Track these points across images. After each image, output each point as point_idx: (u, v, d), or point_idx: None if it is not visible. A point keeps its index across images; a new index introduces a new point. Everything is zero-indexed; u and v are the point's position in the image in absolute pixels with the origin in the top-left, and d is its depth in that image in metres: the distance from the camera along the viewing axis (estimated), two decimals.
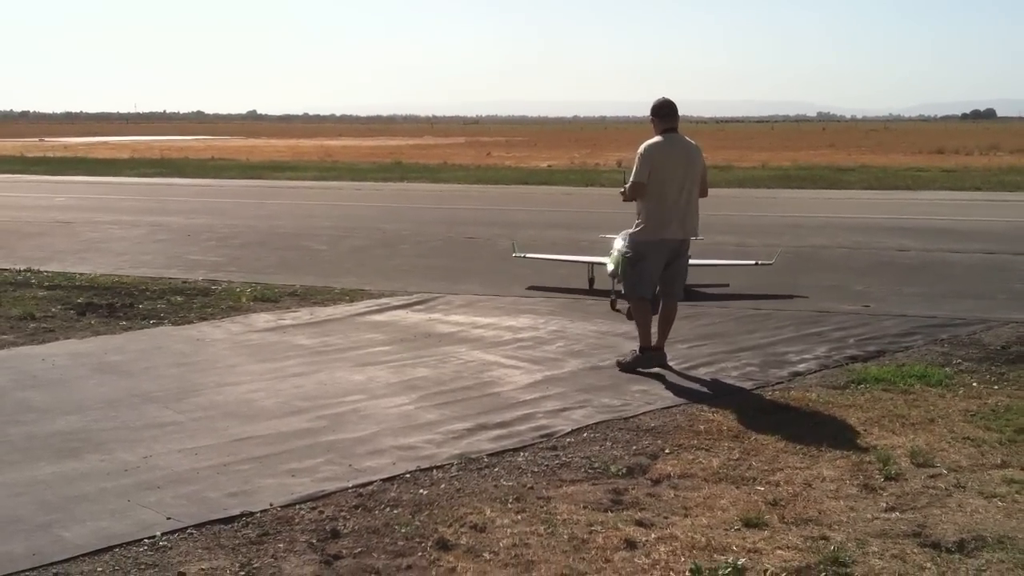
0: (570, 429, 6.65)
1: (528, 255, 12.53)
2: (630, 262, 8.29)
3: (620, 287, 9.87)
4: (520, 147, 66.83)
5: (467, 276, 13.47)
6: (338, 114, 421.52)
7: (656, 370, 8.21)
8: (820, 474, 5.74)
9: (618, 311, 10.18)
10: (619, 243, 10.55)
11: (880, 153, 50.45)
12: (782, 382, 7.86)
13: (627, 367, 8.18)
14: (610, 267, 10.50)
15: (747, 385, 7.75)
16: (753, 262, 11.47)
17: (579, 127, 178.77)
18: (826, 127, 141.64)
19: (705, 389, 7.67)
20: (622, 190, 8.33)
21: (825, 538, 4.81)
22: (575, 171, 38.67)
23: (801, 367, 8.37)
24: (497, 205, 25.34)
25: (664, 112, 8.20)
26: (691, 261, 11.12)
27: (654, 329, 8.28)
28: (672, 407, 7.19)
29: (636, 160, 8.07)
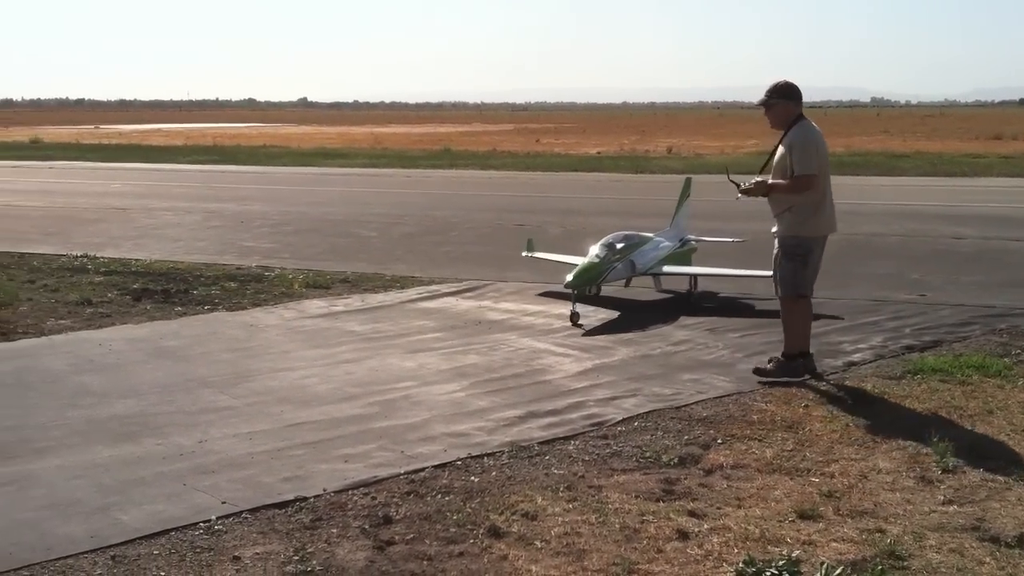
0: (621, 418, 6.63)
1: (537, 255, 11.81)
2: (798, 259, 7.42)
3: (577, 304, 9.59)
4: (569, 134, 66.63)
5: (517, 264, 13.43)
6: (387, 101, 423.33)
7: (711, 358, 8.17)
8: (876, 466, 5.66)
9: (579, 326, 9.37)
10: (596, 250, 10.18)
11: (936, 139, 49.63)
12: (836, 372, 7.77)
13: (774, 373, 7.47)
14: (569, 278, 9.73)
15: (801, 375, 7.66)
16: (769, 273, 10.45)
17: (628, 113, 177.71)
18: (880, 112, 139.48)
19: (758, 379, 7.59)
20: (748, 187, 7.51)
21: (881, 531, 4.74)
22: (625, 158, 38.47)
23: (856, 357, 8.26)
24: (546, 192, 25.29)
25: (799, 95, 7.57)
26: (704, 271, 10.89)
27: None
28: (724, 397, 7.13)
29: (798, 150, 7.31)
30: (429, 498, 5.27)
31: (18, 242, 15.65)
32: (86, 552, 4.60)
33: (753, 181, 7.56)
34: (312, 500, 5.23)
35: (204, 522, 4.92)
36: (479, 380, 7.64)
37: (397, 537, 4.76)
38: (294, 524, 4.94)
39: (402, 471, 5.65)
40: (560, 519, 4.94)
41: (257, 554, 4.59)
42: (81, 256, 13.94)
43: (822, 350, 8.46)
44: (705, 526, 4.82)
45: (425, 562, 4.49)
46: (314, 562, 4.49)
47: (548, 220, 18.28)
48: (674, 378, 7.63)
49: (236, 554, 4.58)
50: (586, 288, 10.06)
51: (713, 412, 6.75)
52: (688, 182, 12.29)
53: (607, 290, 10.76)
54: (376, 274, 12.58)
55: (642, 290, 11.01)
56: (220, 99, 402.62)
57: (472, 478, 5.56)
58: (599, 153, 42.27)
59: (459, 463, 5.80)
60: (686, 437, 6.23)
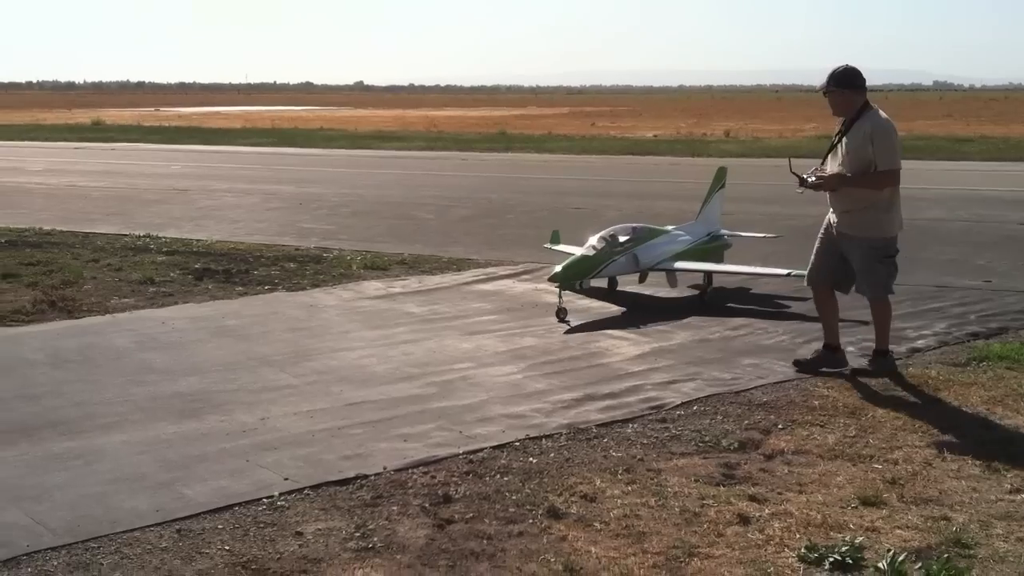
0: (680, 402, 6.59)
1: (559, 247, 11.01)
2: (890, 261, 7.14)
3: (565, 297, 9.10)
4: (625, 117, 66.29)
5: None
6: (443, 84, 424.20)
7: (771, 343, 8.10)
8: (940, 453, 5.57)
9: (565, 322, 8.89)
10: (594, 242, 9.54)
11: (1001, 123, 48.54)
12: (900, 358, 7.63)
13: (880, 372, 7.15)
14: (556, 270, 9.25)
15: (863, 361, 7.55)
16: (785, 272, 9.17)
17: (685, 96, 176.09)
18: (943, 96, 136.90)
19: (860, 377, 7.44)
20: (816, 180, 7.16)
21: (947, 519, 4.67)
22: (681, 141, 38.16)
23: (920, 343, 8.13)
24: (602, 175, 25.19)
25: (863, 82, 7.11)
26: (716, 267, 10.09)
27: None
28: (785, 382, 7.06)
29: (882, 142, 6.92)
30: (488, 478, 5.29)
31: (82, 222, 15.94)
32: (152, 525, 4.68)
33: (819, 173, 7.20)
34: (372, 478, 5.28)
35: (267, 498, 4.99)
36: (536, 362, 7.64)
37: (457, 516, 4.78)
38: (355, 501, 4.99)
39: (461, 451, 5.67)
40: (619, 501, 4.93)
41: (319, 530, 4.64)
42: (143, 236, 14.17)
43: None
44: (766, 511, 4.79)
45: (485, 541, 4.51)
46: (375, 539, 4.53)
47: (605, 203, 18.19)
48: (733, 362, 7.57)
49: (299, 530, 4.64)
50: (576, 283, 9.48)
51: (773, 397, 6.69)
52: (721, 172, 11.31)
53: (655, 278, 10.34)
54: (433, 256, 12.63)
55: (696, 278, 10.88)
56: (278, 82, 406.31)
57: (530, 459, 5.57)
58: (655, 136, 41.99)
59: (517, 444, 5.81)
60: (746, 422, 6.18)
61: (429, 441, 5.84)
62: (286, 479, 5.23)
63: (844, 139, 7.11)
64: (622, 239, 9.72)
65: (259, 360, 7.64)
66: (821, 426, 6.07)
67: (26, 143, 40.19)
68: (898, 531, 4.56)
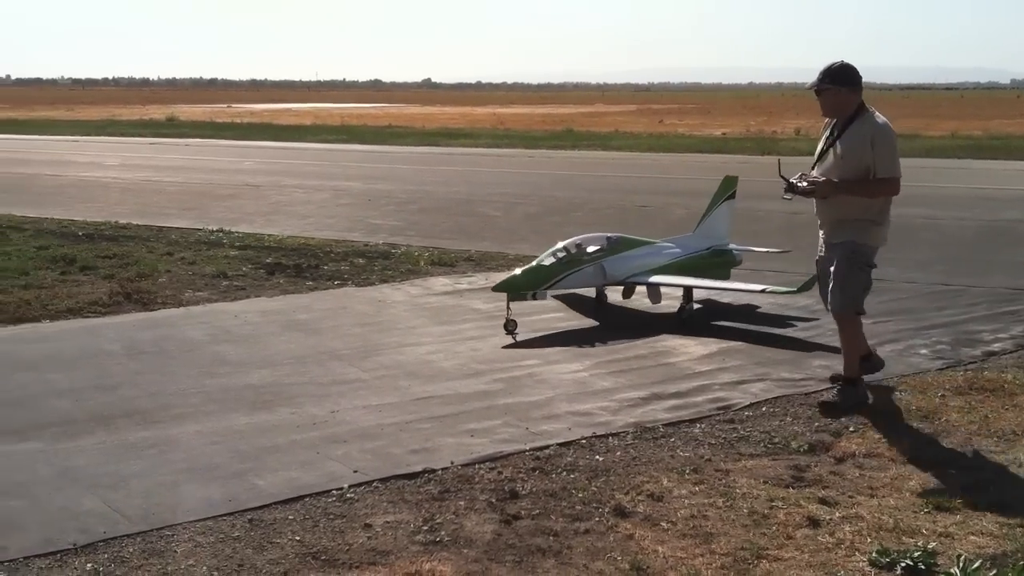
0: (748, 403, 6.54)
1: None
2: (867, 271, 6.50)
3: (512, 307, 8.40)
4: (693, 114, 65.79)
5: None
6: (509, 82, 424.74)
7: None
8: (1017, 459, 5.45)
9: (513, 335, 8.34)
10: (557, 250, 8.89)
11: None
12: (975, 362, 7.50)
13: (842, 405, 6.39)
14: (516, 270, 8.92)
15: (937, 364, 7.43)
16: (760, 288, 8.76)
17: (754, 94, 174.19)
18: (1021, 95, 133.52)
19: (891, 367, 7.38)
20: (807, 187, 6.47)
21: (1023, 526, 4.57)
22: (751, 139, 37.76)
23: (996, 347, 7.96)
24: (670, 173, 25.03)
25: (859, 80, 6.51)
26: (689, 282, 9.02)
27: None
28: None
29: (883, 147, 6.33)
30: (554, 475, 5.30)
31: (157, 216, 16.27)
32: (224, 515, 4.78)
33: (809, 178, 6.49)
34: (440, 472, 5.32)
35: (337, 490, 5.06)
36: (602, 360, 7.63)
37: (523, 512, 4.80)
38: (423, 495, 5.03)
39: (527, 447, 5.69)
40: (687, 501, 4.91)
41: (388, 522, 4.69)
42: (217, 231, 14.42)
43: (959, 338, 8.20)
44: (837, 514, 4.73)
45: (551, 537, 4.52)
46: (443, 532, 4.57)
47: (671, 202, 18.07)
48: (803, 364, 7.48)
49: (368, 522, 4.70)
50: (528, 293, 8.65)
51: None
52: (729, 181, 10.18)
53: (736, 271, 10.21)
54: (499, 253, 12.66)
55: (769, 272, 10.74)
56: (347, 79, 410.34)
57: (597, 457, 5.57)
58: (724, 134, 41.59)
59: (583, 442, 5.82)
60: (816, 424, 6.11)
61: (495, 437, 5.87)
62: (355, 472, 5.30)
63: (838, 143, 6.46)
64: (591, 249, 9.06)
65: (329, 354, 7.74)
66: (894, 429, 5.98)
67: (103, 138, 41.10)
68: (972, 537, 4.48)
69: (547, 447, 5.71)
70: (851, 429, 5.98)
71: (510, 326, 8.43)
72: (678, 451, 5.66)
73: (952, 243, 12.96)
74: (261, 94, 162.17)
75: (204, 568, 4.25)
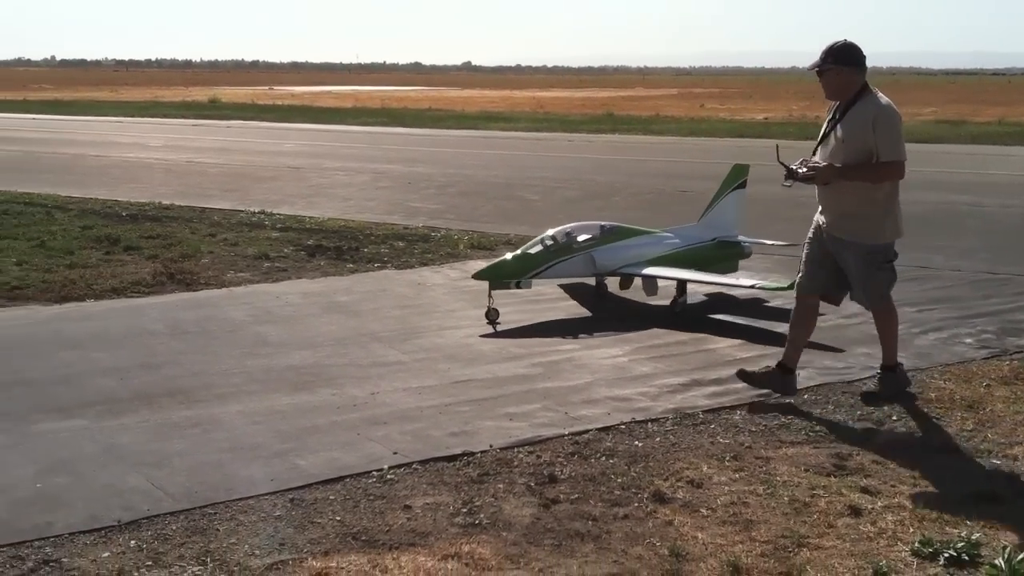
0: None
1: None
2: (886, 269, 6.21)
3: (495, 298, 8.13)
4: (735, 99, 65.21)
5: None
6: (550, 65, 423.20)
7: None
8: None
9: (495, 324, 8.09)
10: (545, 238, 8.64)
11: None
12: (1021, 351, 7.38)
13: (888, 393, 6.30)
14: (508, 256, 8.69)
15: (982, 353, 7.33)
16: (750, 283, 8.58)
17: (797, 78, 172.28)
18: None
19: (935, 355, 7.29)
20: (807, 172, 6.16)
21: None
22: (793, 124, 37.37)
23: None
24: (711, 158, 24.81)
25: (863, 60, 6.14)
26: (680, 275, 8.72)
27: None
28: None
29: (885, 129, 5.99)
30: (593, 460, 5.29)
31: (200, 197, 16.42)
32: (266, 494, 4.82)
33: (810, 163, 6.17)
34: (479, 455, 5.34)
35: (377, 471, 5.09)
36: (642, 346, 7.61)
37: (562, 496, 4.80)
38: (462, 477, 5.05)
39: (566, 432, 5.69)
40: (727, 488, 4.89)
41: (427, 504, 4.72)
42: (258, 212, 14.52)
43: (1005, 327, 8.09)
44: (879, 503, 4.69)
45: (590, 522, 4.52)
46: (481, 515, 4.59)
47: (712, 187, 17.80)
48: (846, 352, 7.40)
49: (407, 503, 4.72)
50: (511, 282, 8.39)
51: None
52: (738, 170, 10.01)
53: (780, 259, 10.22)
54: None
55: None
56: (387, 62, 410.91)
57: (636, 443, 5.56)
58: (766, 119, 41.23)
59: (623, 427, 5.81)
60: (859, 412, 6.05)
61: (534, 421, 5.87)
62: (395, 453, 5.33)
63: (839, 125, 6.14)
64: (581, 238, 8.77)
65: (369, 336, 7.78)
66: (937, 419, 5.92)
67: (146, 119, 41.53)
68: (1017, 528, 4.41)
69: (586, 432, 5.70)
70: (894, 418, 5.92)
71: (491, 315, 8.15)
72: (718, 438, 5.63)
73: (998, 231, 12.76)
74: (302, 76, 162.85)
75: (246, 547, 4.29)
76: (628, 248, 8.94)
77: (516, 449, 5.44)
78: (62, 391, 6.36)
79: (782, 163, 6.21)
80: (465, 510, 4.65)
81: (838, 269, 6.29)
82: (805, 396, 6.38)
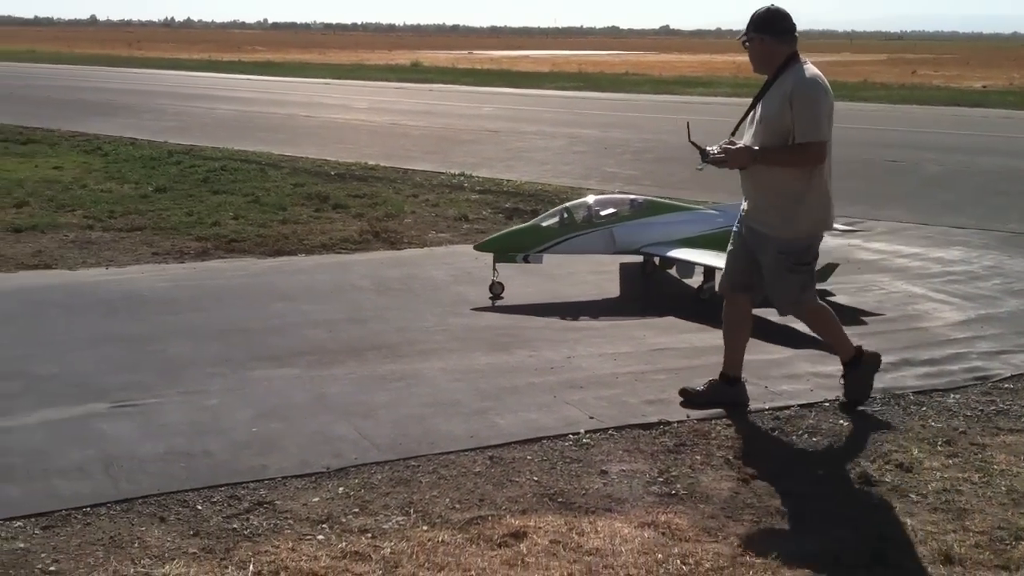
0: (1009, 374, 6.13)
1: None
2: (799, 271, 5.39)
3: (497, 275, 7.74)
4: (950, 65, 61.67)
5: (890, 202, 12.75)
6: None
7: None
8: None
9: (500, 298, 7.77)
10: (562, 211, 8.15)
11: None
12: None
13: (856, 390, 5.63)
14: (517, 227, 8.33)
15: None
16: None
17: (1019, 44, 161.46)
18: None
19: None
20: (718, 154, 5.42)
21: None
22: (1014, 92, 35.08)
23: None
24: (923, 128, 23.63)
25: (789, 28, 5.38)
26: (703, 259, 7.76)
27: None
28: None
29: (803, 104, 5.17)
30: (795, 437, 5.16)
31: (403, 159, 16.85)
32: (466, 450, 4.93)
33: (722, 145, 5.43)
34: (675, 425, 5.29)
35: (573, 434, 5.12)
36: (847, 323, 7.29)
37: (761, 472, 4.70)
38: (658, 446, 5.02)
39: (767, 406, 5.57)
40: (938, 474, 4.67)
41: (623, 471, 4.71)
42: (458, 175, 14.80)
43: None
44: None
45: (791, 500, 4.41)
46: (678, 486, 4.55)
47: (923, 157, 17.11)
48: None
49: (604, 468, 4.73)
50: (519, 256, 7.91)
51: None
52: None
53: (1001, 235, 9.68)
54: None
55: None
56: (584, 26, 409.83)
57: (840, 422, 5.38)
58: (985, 87, 38.82)
59: (826, 404, 5.63)
60: None
61: None
62: (591, 418, 5.34)
63: (760, 103, 5.43)
64: (604, 212, 8.18)
65: (564, 299, 7.82)
66: None
67: (351, 82, 42.87)
68: None
69: (787, 408, 5.56)
70: None
71: (495, 288, 7.81)
72: (930, 421, 5.38)
73: None
74: (500, 40, 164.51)
75: (447, 500, 4.40)
76: (656, 226, 8.18)
77: (713, 421, 5.36)
78: (276, 340, 6.67)
79: (693, 143, 5.54)
80: (661, 479, 4.62)
81: (756, 260, 5.51)
82: None
